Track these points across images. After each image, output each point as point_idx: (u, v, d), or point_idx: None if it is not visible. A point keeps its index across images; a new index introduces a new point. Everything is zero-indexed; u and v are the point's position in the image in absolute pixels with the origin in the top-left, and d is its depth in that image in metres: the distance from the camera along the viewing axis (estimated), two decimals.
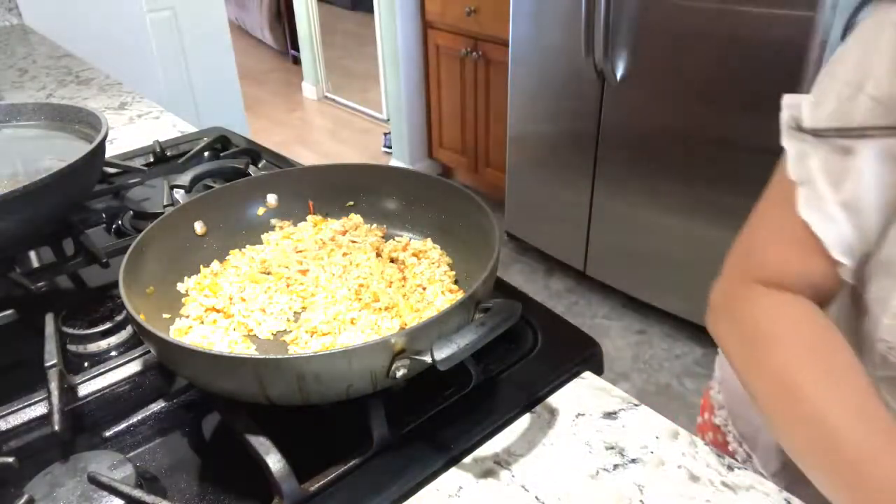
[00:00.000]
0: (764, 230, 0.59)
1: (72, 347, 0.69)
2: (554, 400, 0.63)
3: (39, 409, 0.59)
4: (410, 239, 0.78)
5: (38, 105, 0.95)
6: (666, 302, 2.30)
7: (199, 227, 0.75)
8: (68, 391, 0.61)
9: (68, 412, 0.59)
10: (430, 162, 3.32)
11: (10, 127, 0.95)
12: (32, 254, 0.86)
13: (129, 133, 1.31)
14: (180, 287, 0.70)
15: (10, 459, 0.53)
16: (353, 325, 0.65)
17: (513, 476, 0.56)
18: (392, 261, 0.75)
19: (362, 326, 0.64)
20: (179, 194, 0.91)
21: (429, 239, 0.77)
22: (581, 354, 0.67)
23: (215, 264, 0.74)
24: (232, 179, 0.93)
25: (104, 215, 0.95)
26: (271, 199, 0.81)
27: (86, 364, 0.68)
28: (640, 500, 0.53)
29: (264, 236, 0.79)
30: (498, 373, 0.65)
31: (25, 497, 0.49)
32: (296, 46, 4.73)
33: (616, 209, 2.27)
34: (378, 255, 0.75)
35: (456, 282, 0.72)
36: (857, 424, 0.49)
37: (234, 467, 0.57)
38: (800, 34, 1.63)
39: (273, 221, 0.80)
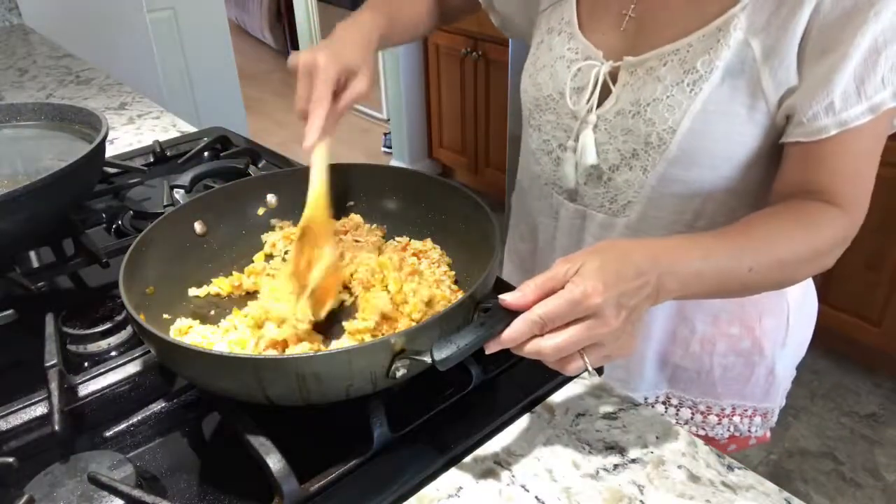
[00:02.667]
0: None
1: (72, 347, 0.69)
2: (554, 400, 0.63)
3: (39, 409, 0.59)
4: (410, 239, 0.78)
5: (38, 105, 0.95)
6: None
7: (199, 227, 0.75)
8: (68, 391, 0.61)
9: (68, 412, 0.59)
10: (430, 162, 3.32)
11: (10, 127, 0.94)
12: (32, 254, 0.86)
13: (129, 133, 1.31)
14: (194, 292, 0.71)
15: (10, 459, 0.53)
16: None
17: (513, 476, 0.56)
18: None
19: None
20: (179, 194, 0.91)
21: (429, 239, 0.77)
22: None
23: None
24: (232, 179, 0.93)
25: (104, 215, 0.95)
26: (271, 199, 0.81)
27: (86, 364, 0.68)
28: (640, 500, 0.53)
29: (264, 236, 0.79)
30: (498, 373, 0.65)
31: (25, 497, 0.49)
32: (296, 46, 4.72)
33: None
34: (378, 254, 0.75)
35: (456, 282, 0.72)
36: None
37: (234, 467, 0.57)
38: None
39: (273, 221, 0.80)
